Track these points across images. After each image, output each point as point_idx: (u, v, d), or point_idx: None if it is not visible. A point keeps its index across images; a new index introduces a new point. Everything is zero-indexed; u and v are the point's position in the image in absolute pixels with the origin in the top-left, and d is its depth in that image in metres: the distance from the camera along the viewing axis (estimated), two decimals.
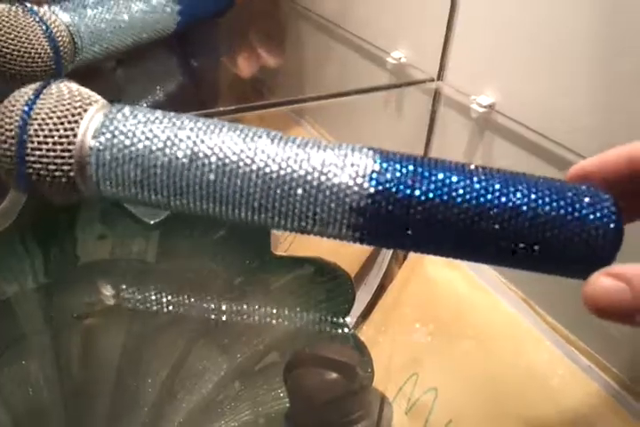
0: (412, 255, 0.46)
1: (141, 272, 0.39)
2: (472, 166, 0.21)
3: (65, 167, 0.21)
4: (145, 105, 0.44)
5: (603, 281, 0.19)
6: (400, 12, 0.49)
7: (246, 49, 0.55)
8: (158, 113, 0.22)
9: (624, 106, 0.33)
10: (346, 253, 0.46)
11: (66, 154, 0.21)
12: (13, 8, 0.34)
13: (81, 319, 0.35)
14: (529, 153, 0.39)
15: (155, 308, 0.38)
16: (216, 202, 0.21)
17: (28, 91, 0.22)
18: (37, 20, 0.35)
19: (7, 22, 0.34)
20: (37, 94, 0.22)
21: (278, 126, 0.51)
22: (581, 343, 0.37)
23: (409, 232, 0.21)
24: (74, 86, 0.23)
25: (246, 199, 0.21)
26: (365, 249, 0.47)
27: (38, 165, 0.21)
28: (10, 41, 0.34)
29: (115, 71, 0.46)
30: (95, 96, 0.23)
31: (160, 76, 0.48)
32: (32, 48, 0.34)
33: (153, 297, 0.38)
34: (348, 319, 0.39)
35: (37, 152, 0.21)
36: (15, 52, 0.34)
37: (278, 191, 0.21)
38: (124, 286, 0.37)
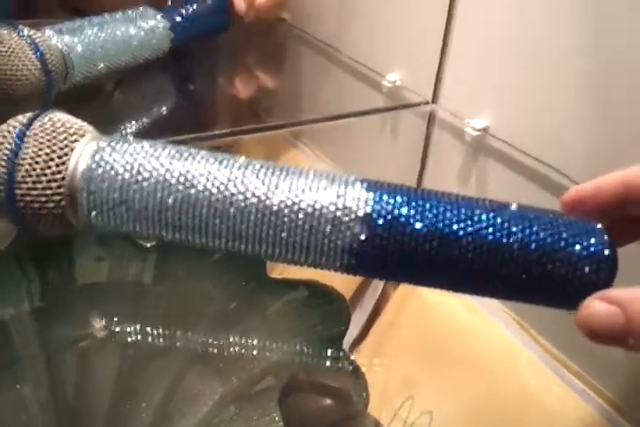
0: None
1: (138, 295, 0.39)
2: (465, 200, 0.21)
3: (55, 202, 0.21)
4: (143, 127, 0.44)
5: (596, 305, 0.19)
6: (395, 36, 0.50)
7: (244, 70, 0.55)
8: (149, 145, 0.22)
9: (616, 132, 0.34)
10: (341, 276, 0.46)
11: (56, 190, 0.21)
12: (5, 31, 0.35)
13: (77, 343, 0.35)
14: (522, 176, 0.39)
15: (151, 331, 0.38)
16: (208, 235, 0.21)
17: (17, 124, 0.22)
18: (29, 42, 0.35)
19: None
20: (27, 128, 0.22)
21: (275, 147, 0.52)
22: (576, 367, 0.37)
23: (401, 270, 0.21)
24: (64, 117, 0.22)
25: (239, 234, 0.21)
26: None
27: (29, 201, 0.21)
28: (1, 62, 0.34)
29: (113, 93, 0.47)
30: (85, 127, 0.23)
31: (158, 98, 0.48)
32: (24, 69, 0.35)
33: (149, 320, 0.38)
34: (343, 342, 0.38)
35: (28, 190, 0.21)
36: (7, 73, 0.34)
37: (271, 230, 0.21)
38: (120, 310, 0.37)
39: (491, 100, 0.41)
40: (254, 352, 0.37)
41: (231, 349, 0.38)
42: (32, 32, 0.36)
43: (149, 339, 0.37)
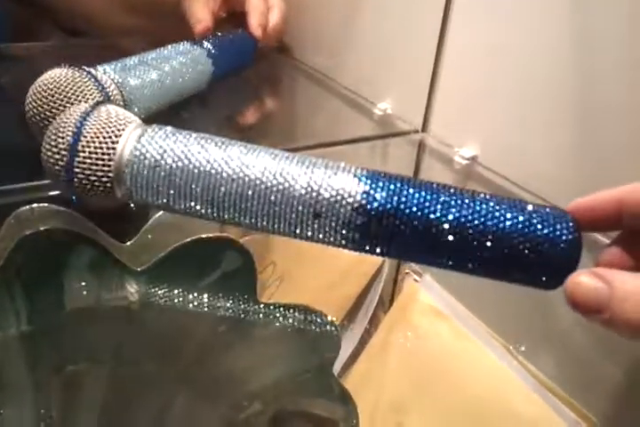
0: (398, 302, 0.47)
1: (127, 319, 0.38)
2: (452, 188, 0.24)
3: (105, 178, 0.25)
4: None
5: (586, 278, 0.21)
6: (387, 66, 0.51)
7: (241, 98, 0.56)
8: (185, 133, 0.25)
9: (602, 162, 0.35)
10: (331, 300, 0.46)
11: (106, 167, 0.25)
12: (71, 70, 0.35)
13: (64, 369, 0.35)
14: None
15: (139, 356, 0.37)
16: (231, 212, 0.25)
17: (78, 110, 0.26)
18: (93, 80, 0.36)
19: (67, 83, 0.35)
20: (87, 113, 0.26)
21: None
22: (564, 393, 0.37)
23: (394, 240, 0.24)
24: (116, 108, 0.27)
25: (259, 210, 0.24)
26: (351, 295, 0.47)
27: (84, 174, 0.25)
28: (72, 99, 0.35)
29: None
30: (132, 117, 0.27)
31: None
32: None
33: (138, 344, 0.38)
34: (333, 367, 0.38)
35: (83, 164, 0.25)
36: None
37: (289, 204, 0.24)
38: (108, 334, 0.37)
39: (479, 130, 0.42)
40: (243, 377, 0.37)
41: (220, 374, 0.37)
42: (93, 72, 0.37)
43: (138, 364, 0.37)
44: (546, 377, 0.38)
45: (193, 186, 0.24)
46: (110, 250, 0.38)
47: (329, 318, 0.38)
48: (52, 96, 0.34)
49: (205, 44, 0.50)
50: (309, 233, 0.24)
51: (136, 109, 0.40)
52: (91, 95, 0.35)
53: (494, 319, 0.41)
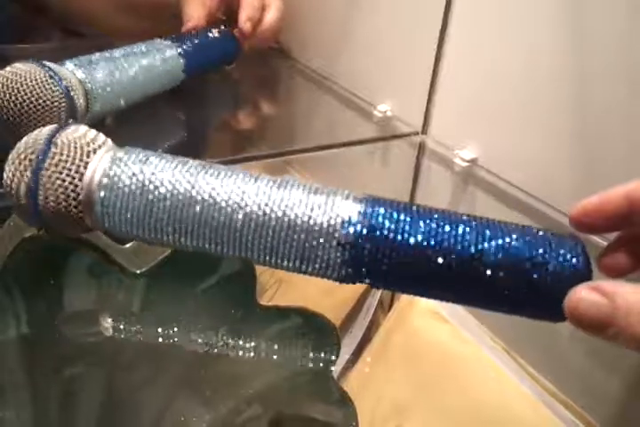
0: (398, 305, 0.47)
1: (125, 322, 0.38)
2: (453, 215, 0.23)
3: (74, 206, 0.23)
4: None
5: (587, 293, 0.20)
6: (387, 68, 0.51)
7: (239, 100, 0.56)
8: (160, 157, 0.24)
9: (603, 162, 0.35)
10: (331, 303, 0.46)
11: (74, 194, 0.23)
12: (32, 66, 0.35)
13: (62, 371, 0.35)
14: (510, 208, 0.40)
15: (137, 359, 0.37)
16: (205, 241, 0.23)
17: (43, 134, 0.24)
18: (56, 77, 0.36)
19: (27, 79, 0.35)
20: (52, 136, 0.24)
21: (268, 173, 0.52)
22: (564, 397, 0.37)
23: (388, 272, 0.23)
24: (84, 129, 0.25)
25: (239, 239, 0.23)
26: (351, 298, 0.47)
27: (51, 203, 0.23)
28: (30, 95, 0.35)
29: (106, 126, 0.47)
30: (103, 139, 0.25)
31: (153, 130, 0.48)
32: (51, 103, 0.35)
33: (136, 347, 0.38)
34: (332, 370, 0.38)
35: (50, 191, 0.23)
36: (35, 104, 0.35)
37: (270, 233, 0.22)
38: (106, 337, 0.37)
39: (479, 133, 0.42)
40: (242, 380, 0.37)
41: (218, 377, 0.37)
42: (54, 66, 0.37)
43: (136, 366, 0.37)
44: (547, 381, 0.38)
45: (172, 217, 0.23)
46: (109, 252, 0.37)
47: (328, 321, 0.38)
48: (8, 92, 0.34)
49: (177, 40, 0.49)
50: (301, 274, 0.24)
51: (100, 106, 0.40)
52: (49, 91, 0.35)
53: (495, 323, 0.41)
